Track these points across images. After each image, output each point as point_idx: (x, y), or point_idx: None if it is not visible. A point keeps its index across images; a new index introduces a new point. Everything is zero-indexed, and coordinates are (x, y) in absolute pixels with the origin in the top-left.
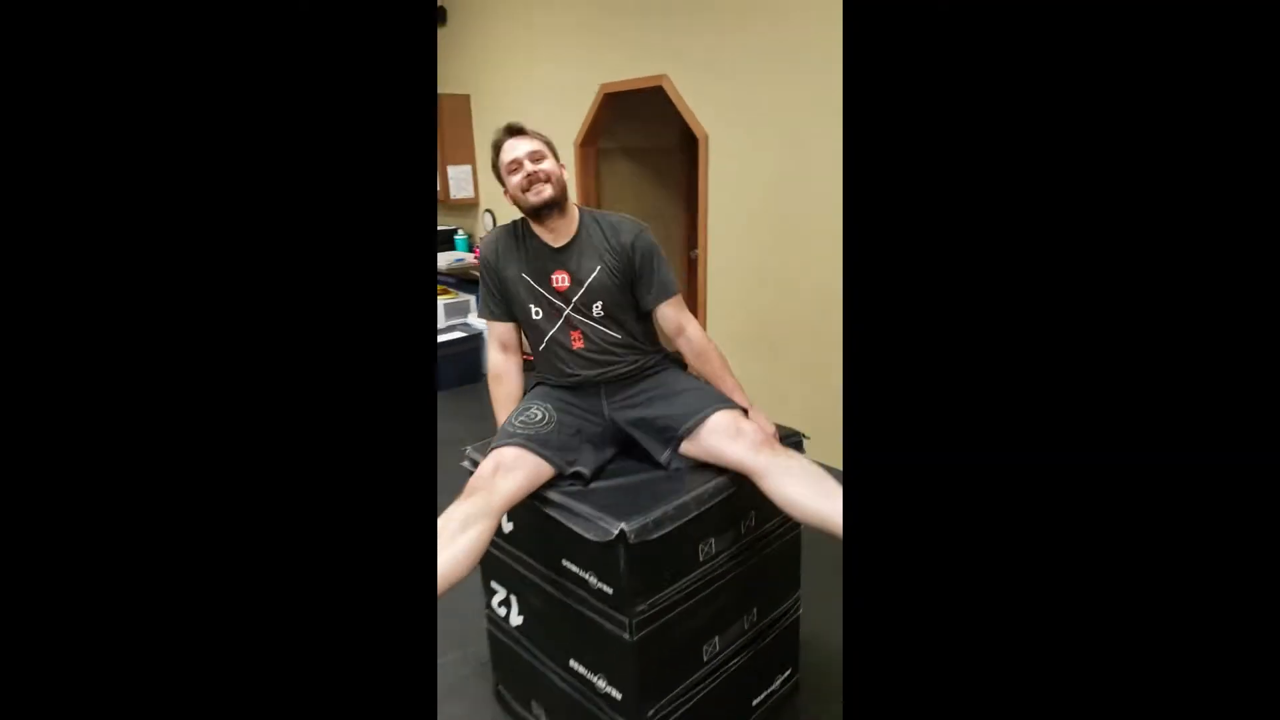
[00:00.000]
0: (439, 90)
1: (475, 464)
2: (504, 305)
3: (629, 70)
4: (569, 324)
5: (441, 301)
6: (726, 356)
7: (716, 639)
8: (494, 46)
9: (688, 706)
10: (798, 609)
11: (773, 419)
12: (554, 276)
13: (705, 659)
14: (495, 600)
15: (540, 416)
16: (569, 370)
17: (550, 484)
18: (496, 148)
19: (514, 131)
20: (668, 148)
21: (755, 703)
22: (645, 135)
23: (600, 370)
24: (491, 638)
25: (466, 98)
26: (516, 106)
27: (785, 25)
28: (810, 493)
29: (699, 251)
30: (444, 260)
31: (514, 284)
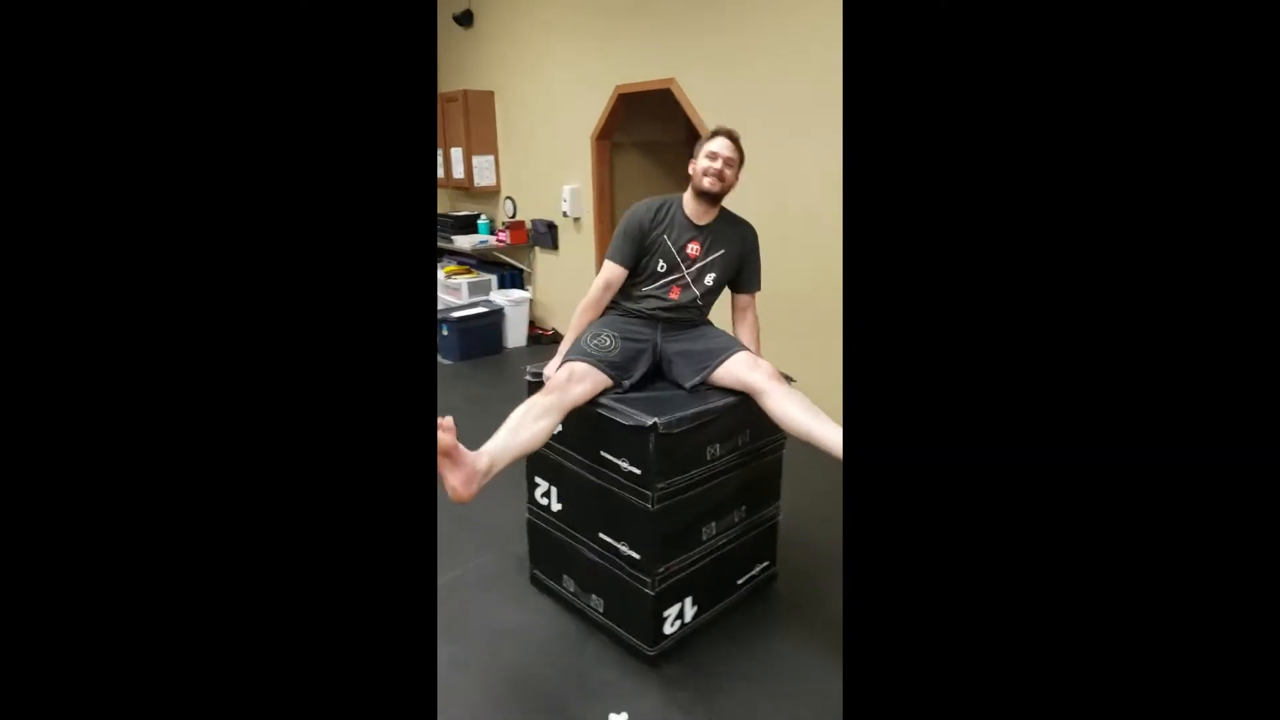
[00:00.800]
0: (466, 87)
1: (535, 375)
2: (634, 255)
3: (641, 73)
4: (678, 281)
5: (465, 280)
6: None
7: (713, 524)
8: (516, 48)
9: (687, 572)
10: (777, 515)
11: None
12: (689, 245)
13: (704, 539)
14: (538, 494)
15: (609, 344)
16: (649, 308)
17: (607, 391)
18: (711, 135)
19: (729, 135)
20: (674, 142)
21: (739, 581)
22: (654, 131)
23: (672, 314)
24: (531, 529)
25: (491, 94)
26: (537, 103)
27: (780, 35)
28: (801, 413)
29: None
30: (468, 242)
31: (656, 242)
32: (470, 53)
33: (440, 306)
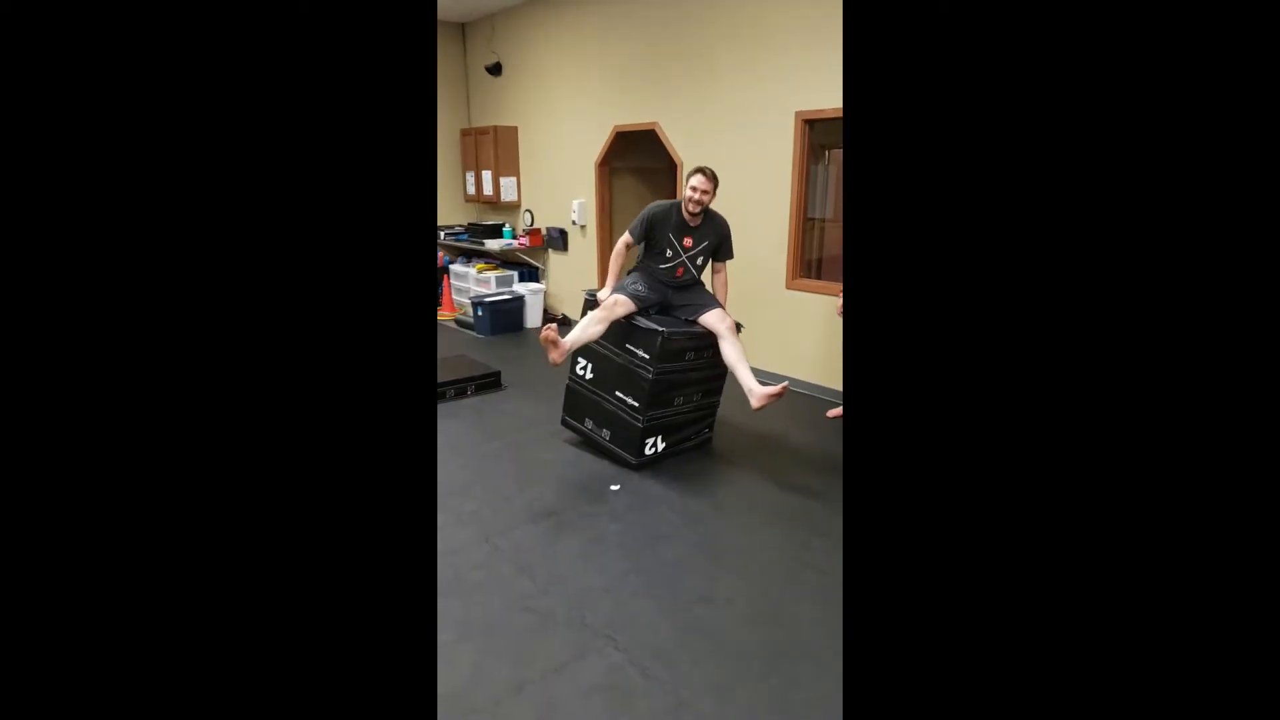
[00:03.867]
0: (495, 123)
1: (591, 294)
2: (644, 236)
3: (633, 117)
4: (679, 264)
5: (493, 275)
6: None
7: (681, 397)
8: (536, 93)
9: (661, 420)
10: (718, 404)
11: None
12: (685, 239)
13: (675, 404)
14: (578, 369)
15: (642, 290)
16: (665, 278)
17: (634, 314)
18: (693, 171)
19: (704, 172)
20: (660, 168)
21: (691, 436)
22: (644, 159)
23: (679, 282)
24: (569, 390)
25: (515, 128)
26: (551, 136)
27: (739, 94)
28: (733, 356)
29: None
30: (496, 245)
31: (662, 234)
32: (499, 96)
33: (474, 294)
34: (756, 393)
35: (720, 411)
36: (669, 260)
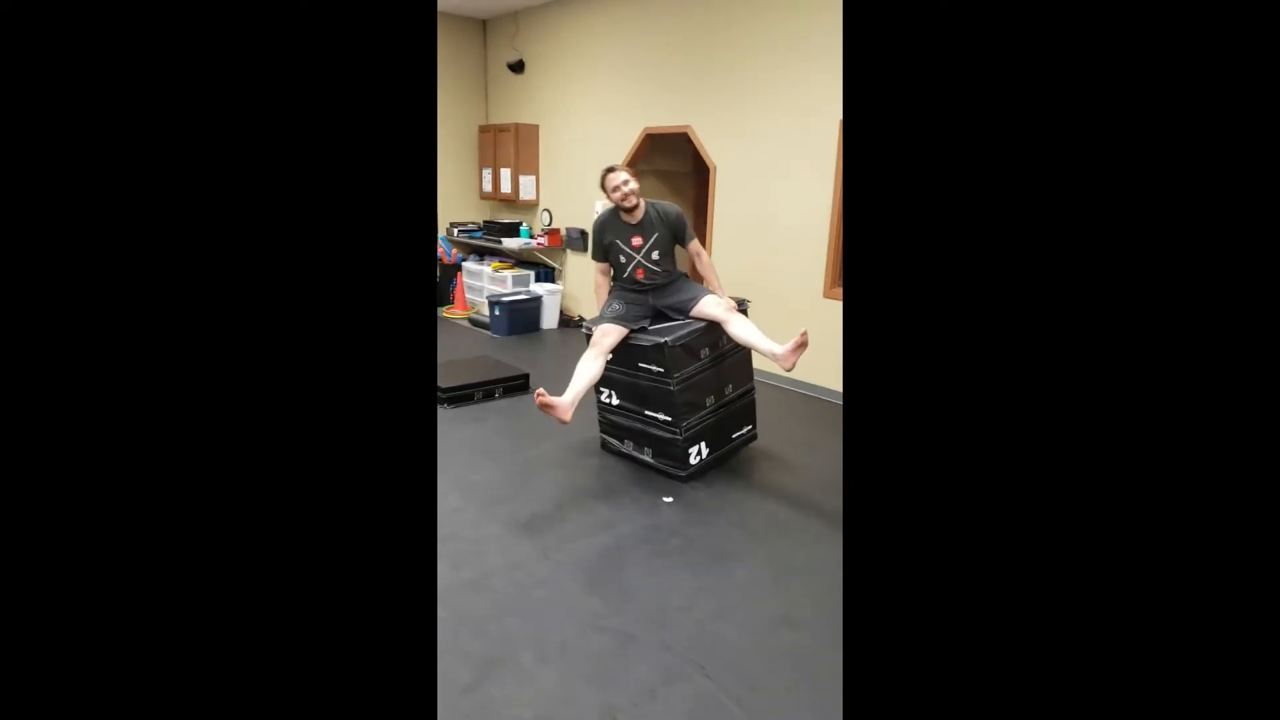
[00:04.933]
0: (516, 120)
1: (588, 325)
2: (603, 252)
3: (665, 120)
4: (637, 265)
5: (509, 274)
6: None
7: (711, 396)
8: (558, 90)
9: (699, 427)
10: (753, 392)
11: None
12: (632, 239)
13: (707, 406)
14: (603, 397)
15: (620, 308)
16: (634, 287)
17: (630, 334)
18: (608, 171)
19: (616, 168)
20: (683, 172)
21: (734, 436)
22: (668, 162)
23: (650, 284)
24: (601, 418)
25: (536, 127)
26: (577, 136)
27: (768, 100)
28: (747, 333)
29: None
30: (515, 244)
31: (611, 242)
32: (521, 93)
33: (490, 294)
34: (780, 353)
35: (761, 415)
36: (625, 266)
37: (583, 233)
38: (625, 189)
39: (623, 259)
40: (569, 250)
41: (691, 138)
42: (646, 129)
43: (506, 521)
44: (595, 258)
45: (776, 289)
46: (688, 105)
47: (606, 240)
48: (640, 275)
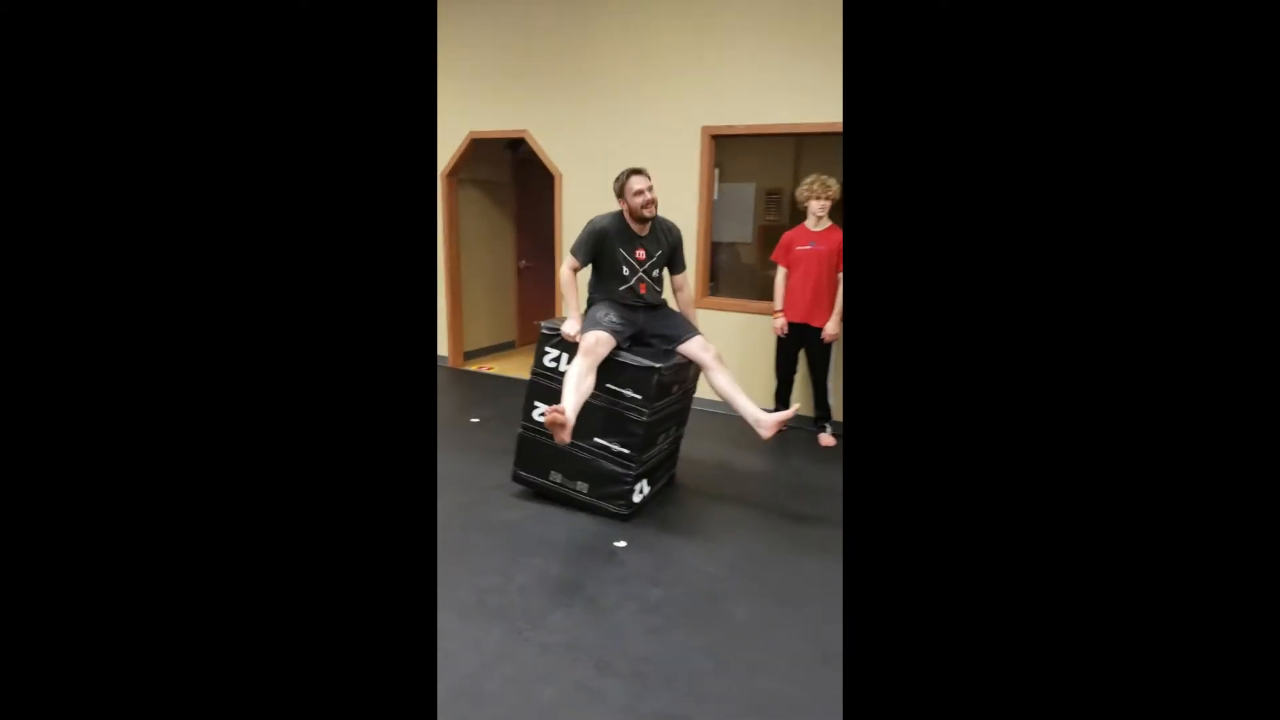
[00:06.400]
0: None
1: (552, 328)
2: (592, 255)
3: (495, 124)
4: (640, 280)
5: None
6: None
7: (662, 434)
8: None
9: (650, 463)
10: (683, 433)
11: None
12: (637, 251)
13: (659, 442)
14: (535, 413)
15: (617, 320)
16: (633, 301)
17: (614, 350)
18: (632, 173)
19: (644, 172)
20: (505, 182)
21: (663, 475)
22: (493, 172)
23: (649, 302)
24: (522, 440)
25: None
26: None
27: (628, 103)
28: (729, 387)
29: (525, 262)
30: None
31: (612, 249)
32: None
33: None
34: (765, 422)
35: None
36: (626, 279)
37: None
38: (649, 195)
39: (625, 270)
40: None
41: (530, 143)
42: (473, 133)
43: (453, 607)
44: (579, 257)
45: None
46: (524, 108)
47: (607, 246)
48: (643, 290)
